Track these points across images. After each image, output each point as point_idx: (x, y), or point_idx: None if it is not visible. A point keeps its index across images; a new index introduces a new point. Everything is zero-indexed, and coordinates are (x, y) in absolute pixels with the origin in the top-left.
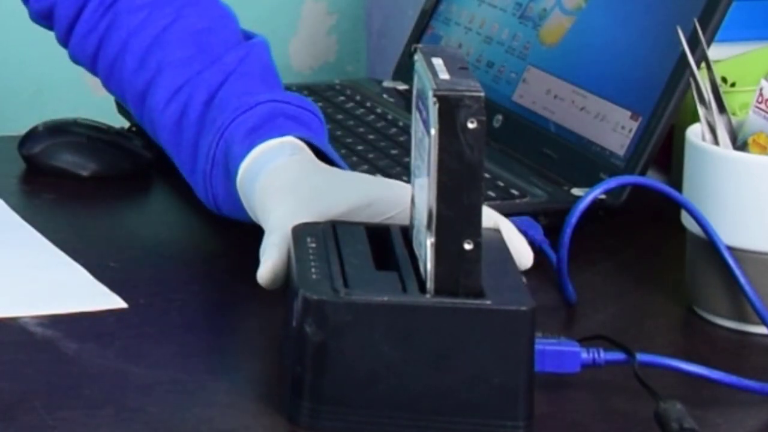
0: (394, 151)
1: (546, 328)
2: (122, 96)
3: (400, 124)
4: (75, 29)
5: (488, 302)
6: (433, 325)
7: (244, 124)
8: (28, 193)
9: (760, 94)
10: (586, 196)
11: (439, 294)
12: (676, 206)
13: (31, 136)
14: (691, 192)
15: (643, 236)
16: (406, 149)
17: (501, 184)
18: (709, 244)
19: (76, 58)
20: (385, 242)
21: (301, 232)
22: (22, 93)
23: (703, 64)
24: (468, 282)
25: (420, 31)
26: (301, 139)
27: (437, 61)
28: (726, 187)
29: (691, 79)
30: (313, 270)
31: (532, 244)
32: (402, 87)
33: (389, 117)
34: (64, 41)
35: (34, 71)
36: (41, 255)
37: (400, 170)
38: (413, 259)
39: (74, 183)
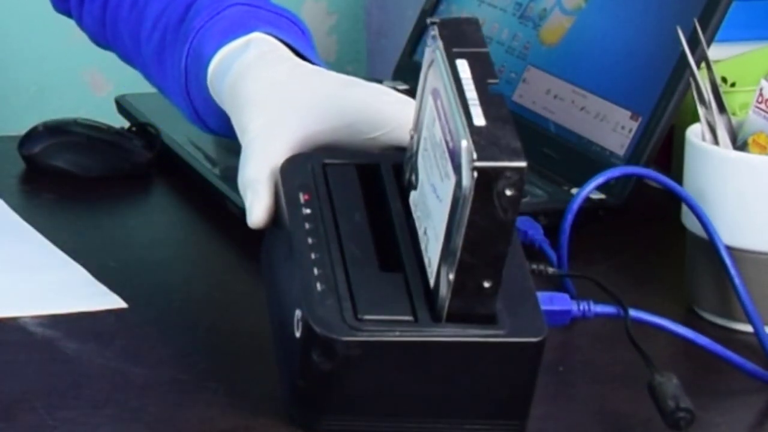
0: None
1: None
2: (124, 51)
3: None
4: None
5: (501, 332)
6: (444, 357)
7: (212, 28)
8: (28, 193)
9: (760, 94)
10: (589, 183)
11: (451, 319)
12: (676, 206)
13: (31, 136)
14: (691, 192)
15: (643, 236)
16: None
17: None
18: (709, 244)
19: (91, 32)
20: (377, 189)
21: (291, 181)
22: (22, 93)
23: (703, 64)
24: (482, 310)
25: (420, 31)
26: (276, 38)
27: (463, 68)
28: (726, 187)
29: (691, 79)
30: (316, 272)
31: (532, 244)
32: (402, 87)
33: None
34: (79, 17)
35: (34, 71)
36: (41, 255)
37: None
38: (414, 240)
39: (74, 183)
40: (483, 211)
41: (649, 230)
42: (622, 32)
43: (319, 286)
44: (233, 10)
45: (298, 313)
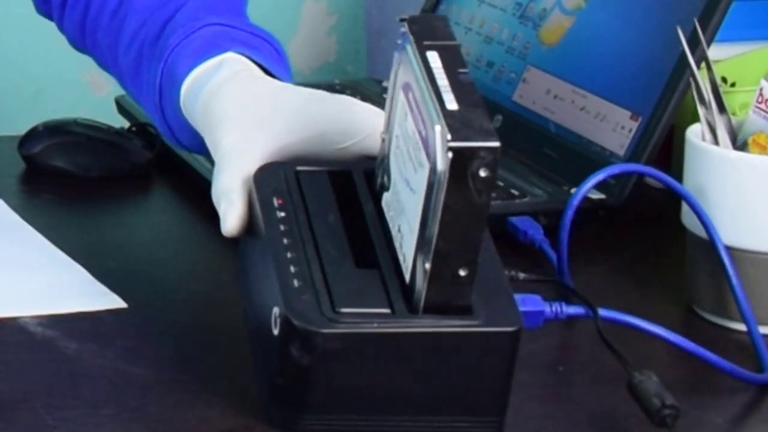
0: None
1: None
2: (102, 59)
3: None
4: (67, 2)
5: (476, 322)
6: (422, 348)
7: (186, 47)
8: (28, 193)
9: (760, 94)
10: (590, 179)
11: (427, 311)
12: (676, 206)
13: (31, 136)
14: (691, 192)
15: (643, 236)
16: None
17: (501, 184)
18: (709, 244)
19: (71, 37)
20: (350, 193)
21: (265, 187)
22: (22, 93)
23: (703, 64)
24: (458, 301)
25: None
26: (249, 58)
27: (433, 59)
28: (726, 187)
29: (691, 79)
30: (292, 270)
31: (532, 244)
32: None
33: None
34: (60, 21)
35: (34, 71)
36: (41, 255)
37: None
38: (388, 240)
39: (74, 183)
40: (458, 194)
41: (649, 230)
42: (622, 32)
43: (296, 282)
44: (208, 30)
45: (275, 310)
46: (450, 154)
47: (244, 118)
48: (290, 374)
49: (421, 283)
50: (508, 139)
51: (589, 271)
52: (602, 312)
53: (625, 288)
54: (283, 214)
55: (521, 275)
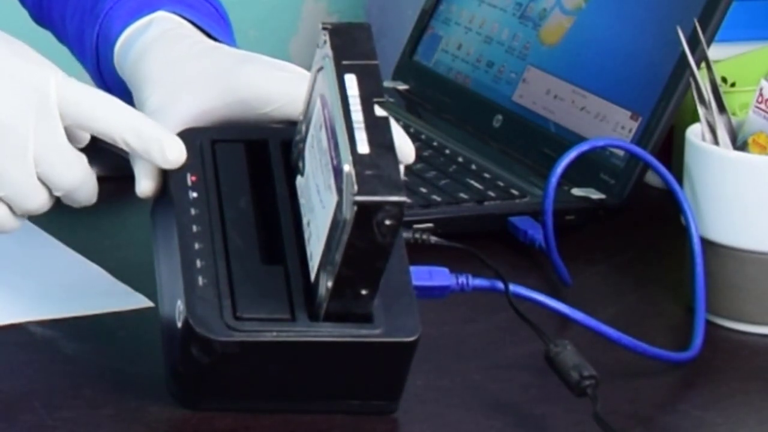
0: None
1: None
2: (58, 32)
3: (400, 124)
4: None
5: (376, 332)
6: (320, 354)
7: (120, 9)
8: None
9: (760, 94)
10: (572, 150)
11: (328, 318)
12: (676, 206)
13: None
14: (691, 192)
15: (643, 236)
16: None
17: (501, 184)
18: (710, 244)
19: (30, 11)
20: (264, 170)
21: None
22: None
23: (703, 64)
24: (359, 311)
25: (420, 31)
26: (181, 17)
27: (351, 84)
28: (726, 187)
29: (691, 79)
30: (198, 265)
31: (532, 243)
32: (402, 87)
33: None
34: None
35: None
36: (61, 258)
37: None
38: (297, 225)
39: None
40: (362, 237)
41: (649, 230)
42: (622, 32)
43: (200, 280)
44: None
45: (179, 305)
46: (355, 208)
47: (167, 80)
48: (190, 366)
49: (323, 294)
50: (508, 139)
51: (589, 271)
52: (510, 287)
53: (625, 288)
54: (195, 194)
55: (432, 239)
